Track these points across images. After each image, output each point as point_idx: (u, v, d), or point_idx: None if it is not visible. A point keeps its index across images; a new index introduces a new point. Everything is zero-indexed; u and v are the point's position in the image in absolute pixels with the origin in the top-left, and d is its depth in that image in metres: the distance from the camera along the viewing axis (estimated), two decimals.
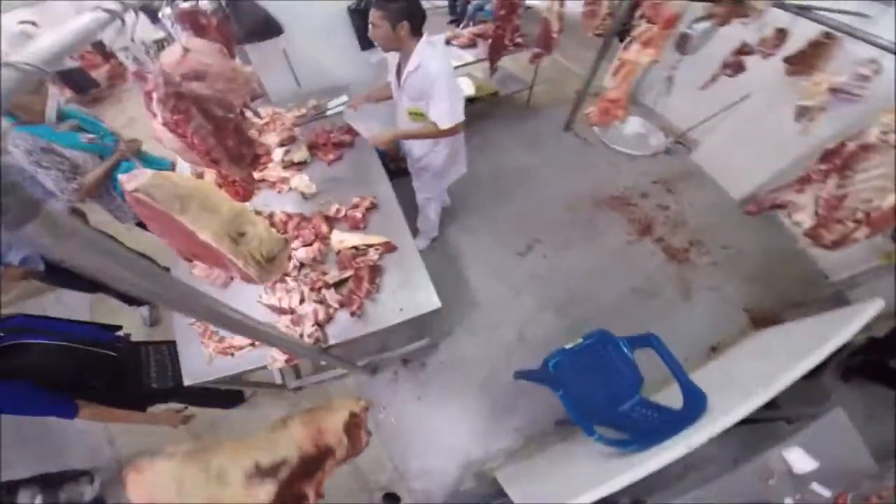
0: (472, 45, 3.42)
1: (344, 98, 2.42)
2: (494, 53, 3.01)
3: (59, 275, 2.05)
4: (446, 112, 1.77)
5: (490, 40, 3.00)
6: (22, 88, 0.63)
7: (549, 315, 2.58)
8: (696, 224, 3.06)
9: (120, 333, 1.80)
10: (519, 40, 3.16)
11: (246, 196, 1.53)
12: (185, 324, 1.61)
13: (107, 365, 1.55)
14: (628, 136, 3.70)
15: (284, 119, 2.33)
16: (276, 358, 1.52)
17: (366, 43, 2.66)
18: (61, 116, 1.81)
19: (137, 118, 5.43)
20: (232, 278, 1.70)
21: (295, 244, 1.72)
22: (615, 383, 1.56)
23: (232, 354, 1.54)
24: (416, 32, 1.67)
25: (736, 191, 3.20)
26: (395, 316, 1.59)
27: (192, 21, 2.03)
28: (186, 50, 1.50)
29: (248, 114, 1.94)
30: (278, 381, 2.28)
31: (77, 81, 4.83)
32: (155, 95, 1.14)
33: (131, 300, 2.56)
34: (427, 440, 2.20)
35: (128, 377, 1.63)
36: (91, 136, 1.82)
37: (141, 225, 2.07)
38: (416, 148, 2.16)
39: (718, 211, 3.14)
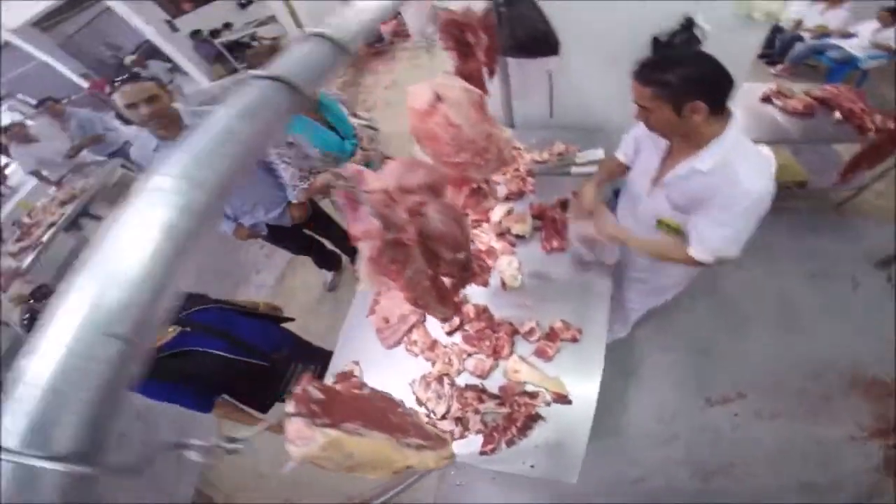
0: (807, 114, 2.12)
1: (600, 153, 1.89)
2: (869, 159, 1.80)
3: (277, 240, 2.39)
4: (722, 243, 1.16)
5: (865, 130, 1.72)
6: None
7: (684, 472, 2.09)
8: None
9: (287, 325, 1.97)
10: None
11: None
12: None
13: (257, 374, 1.61)
14: None
15: (521, 161, 2.01)
16: None
17: None
18: (318, 106, 1.78)
19: (399, 82, 5.65)
20: (399, 342, 1.67)
21: (468, 347, 1.63)
22: None
23: None
24: (718, 111, 1.06)
25: None
26: (521, 467, 1.41)
27: (458, 35, 1.61)
28: (438, 98, 1.17)
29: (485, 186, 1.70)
30: None
31: None
32: (367, 250, 0.84)
33: (323, 265, 2.93)
34: None
35: (269, 385, 1.68)
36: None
37: None
38: (641, 259, 1.62)
39: None
